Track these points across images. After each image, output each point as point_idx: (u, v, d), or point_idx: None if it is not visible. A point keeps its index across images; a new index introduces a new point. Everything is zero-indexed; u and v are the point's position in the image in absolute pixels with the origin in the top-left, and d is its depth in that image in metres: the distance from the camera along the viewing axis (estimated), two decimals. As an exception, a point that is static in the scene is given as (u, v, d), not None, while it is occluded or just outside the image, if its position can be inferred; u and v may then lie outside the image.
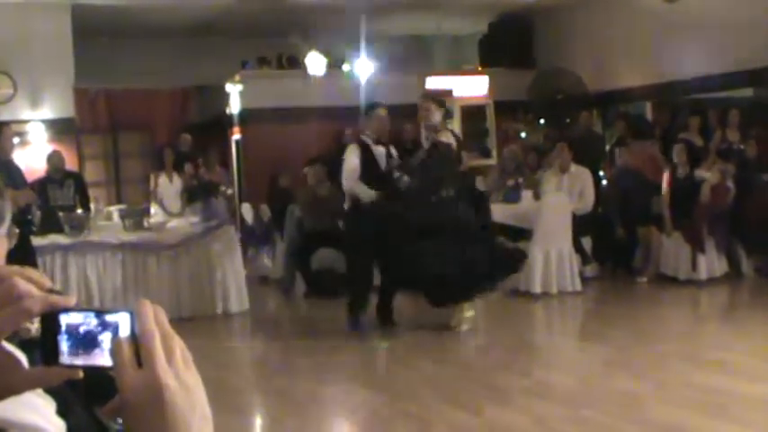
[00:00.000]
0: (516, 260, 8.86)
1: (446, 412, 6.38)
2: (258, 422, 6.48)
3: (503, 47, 16.68)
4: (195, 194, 12.46)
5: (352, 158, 8.52)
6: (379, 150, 8.59)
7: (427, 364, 7.49)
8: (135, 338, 1.04)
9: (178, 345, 1.06)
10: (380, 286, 8.89)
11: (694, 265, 10.50)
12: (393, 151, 8.75)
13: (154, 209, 11.51)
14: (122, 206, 11.87)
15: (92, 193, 11.57)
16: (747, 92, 14.81)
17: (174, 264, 9.97)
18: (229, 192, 13.91)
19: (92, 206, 10.71)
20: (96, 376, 1.09)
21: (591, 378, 6.89)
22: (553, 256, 10.18)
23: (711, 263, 10.57)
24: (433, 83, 15.44)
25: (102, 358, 1.08)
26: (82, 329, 1.07)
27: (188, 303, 10.02)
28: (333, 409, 6.44)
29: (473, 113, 15.92)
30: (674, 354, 7.59)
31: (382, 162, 8.55)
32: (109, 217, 11.02)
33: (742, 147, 12.01)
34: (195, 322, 9.90)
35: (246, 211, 13.56)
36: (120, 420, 1.14)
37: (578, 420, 5.66)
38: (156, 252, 9.85)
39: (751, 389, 6.16)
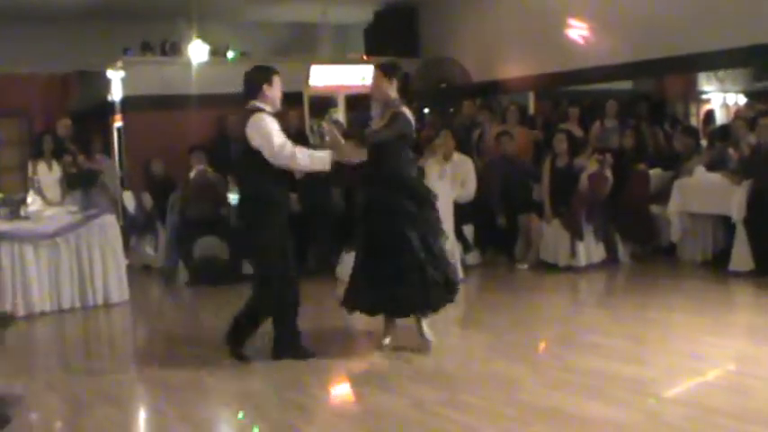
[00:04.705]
0: (450, 290, 7.35)
1: (328, 398, 6.42)
2: (140, 413, 6.39)
3: (388, 36, 16.78)
4: (74, 183, 12.22)
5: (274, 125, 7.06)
6: None
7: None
8: None
9: None
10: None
11: (573, 252, 10.75)
12: None
13: (31, 197, 11.24)
14: (-2, 195, 11.55)
15: (-34, 181, 11.26)
16: (627, 84, 15.21)
17: (52, 254, 9.75)
18: (117, 180, 13.74)
19: (-35, 195, 10.41)
20: None
21: (470, 363, 6.99)
22: (436, 243, 10.25)
23: (590, 250, 10.84)
24: (318, 71, 15.41)
25: None
26: None
27: (67, 294, 9.84)
28: (216, 398, 6.39)
29: (358, 103, 15.94)
30: (552, 338, 7.78)
31: None
32: (-17, 206, 10.71)
33: (620, 137, 12.30)
34: (75, 313, 9.74)
35: (128, 199, 13.35)
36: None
37: (457, 404, 5.73)
38: (34, 241, 9.61)
39: (624, 370, 6.34)
